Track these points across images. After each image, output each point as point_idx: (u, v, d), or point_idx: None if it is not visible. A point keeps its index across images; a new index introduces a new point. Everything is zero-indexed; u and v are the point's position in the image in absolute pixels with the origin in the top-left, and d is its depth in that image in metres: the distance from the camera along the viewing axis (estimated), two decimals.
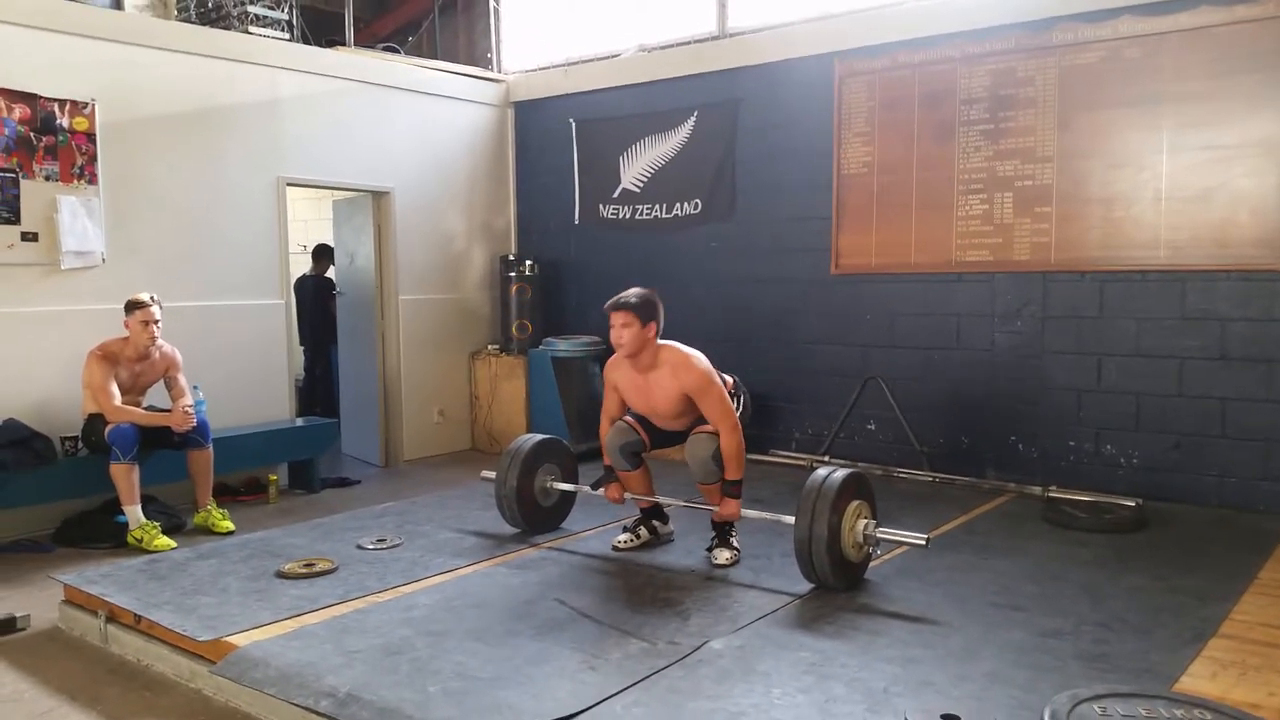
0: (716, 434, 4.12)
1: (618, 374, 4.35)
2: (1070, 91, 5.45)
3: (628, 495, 4.48)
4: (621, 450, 4.38)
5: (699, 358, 4.17)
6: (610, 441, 4.40)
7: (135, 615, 3.63)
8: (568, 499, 4.88)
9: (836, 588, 3.81)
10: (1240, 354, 5.06)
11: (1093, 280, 5.45)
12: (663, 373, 4.18)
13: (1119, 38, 5.29)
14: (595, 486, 4.53)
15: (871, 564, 4.14)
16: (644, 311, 4.13)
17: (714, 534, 4.36)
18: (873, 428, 6.22)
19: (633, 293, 4.18)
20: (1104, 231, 5.39)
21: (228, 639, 3.34)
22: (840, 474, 3.88)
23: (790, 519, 3.86)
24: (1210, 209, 5.08)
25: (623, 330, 4.13)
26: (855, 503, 3.88)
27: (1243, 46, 4.95)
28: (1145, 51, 5.21)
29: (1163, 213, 5.21)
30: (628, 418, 4.42)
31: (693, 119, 6.94)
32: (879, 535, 3.87)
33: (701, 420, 4.22)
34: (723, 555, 4.24)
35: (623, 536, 4.55)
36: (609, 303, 4.19)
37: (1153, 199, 5.23)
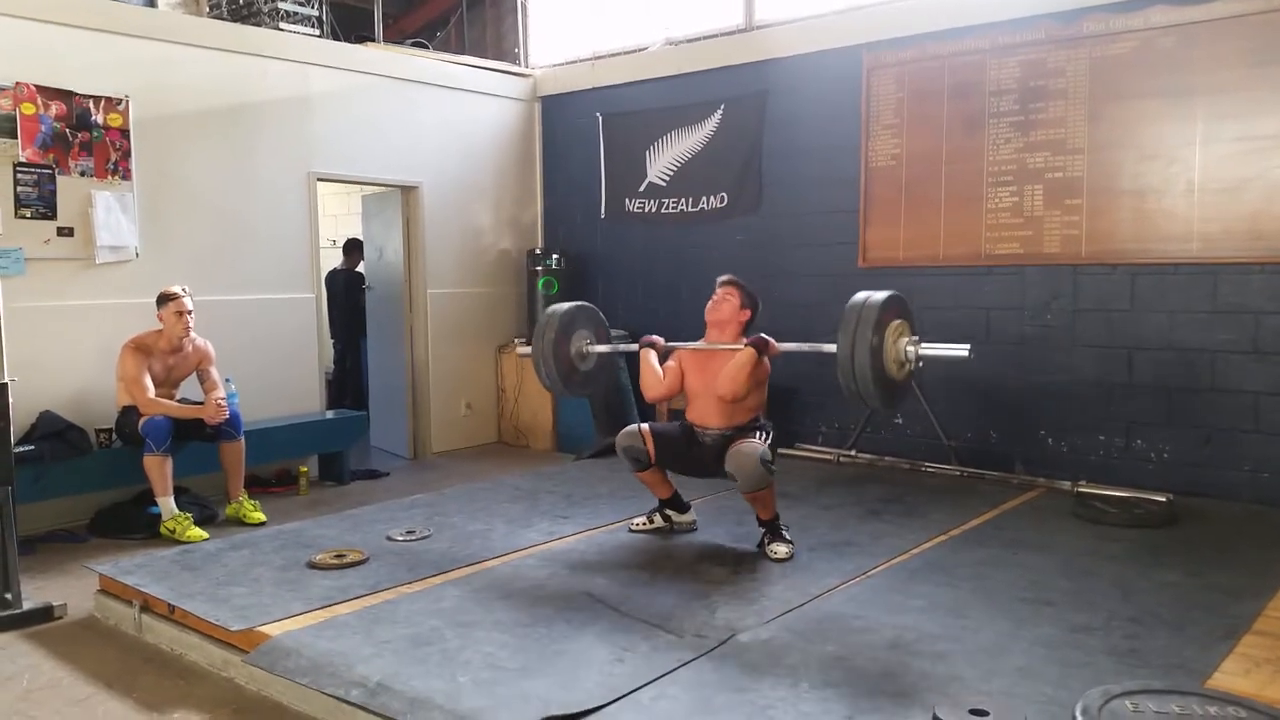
0: (765, 460, 4.11)
1: (685, 354, 4.48)
2: (1101, 82, 5.39)
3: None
4: (627, 452, 4.44)
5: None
6: (619, 441, 4.48)
7: (169, 605, 3.68)
8: (604, 368, 4.92)
9: (878, 406, 3.84)
10: (1274, 348, 4.99)
11: (1124, 273, 5.40)
12: (727, 357, 4.28)
13: (1151, 28, 5.23)
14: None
15: (896, 560, 4.14)
16: (748, 296, 4.44)
17: (764, 530, 4.34)
18: (900, 421, 6.20)
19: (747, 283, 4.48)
20: (1135, 224, 5.33)
21: (260, 629, 3.38)
22: (881, 294, 3.87)
23: (831, 347, 3.88)
24: (1244, 201, 5.01)
25: (723, 302, 4.40)
26: (897, 321, 3.88)
27: (1278, 35, 4.87)
28: (1178, 41, 5.15)
29: (1195, 204, 5.15)
30: (642, 426, 4.45)
31: (719, 112, 6.93)
32: (921, 351, 3.87)
33: (739, 434, 4.25)
34: (780, 550, 4.22)
35: (639, 519, 4.66)
36: (723, 276, 4.49)
37: (1185, 191, 5.17)
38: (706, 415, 4.37)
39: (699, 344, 4.47)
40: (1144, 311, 5.35)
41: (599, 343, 4.83)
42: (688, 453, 4.41)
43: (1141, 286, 5.35)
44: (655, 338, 4.57)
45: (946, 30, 5.90)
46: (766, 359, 4.26)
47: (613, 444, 6.75)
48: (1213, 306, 5.14)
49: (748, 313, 4.42)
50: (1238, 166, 5.02)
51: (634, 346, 4.65)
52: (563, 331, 4.68)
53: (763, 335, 4.24)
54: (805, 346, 4.28)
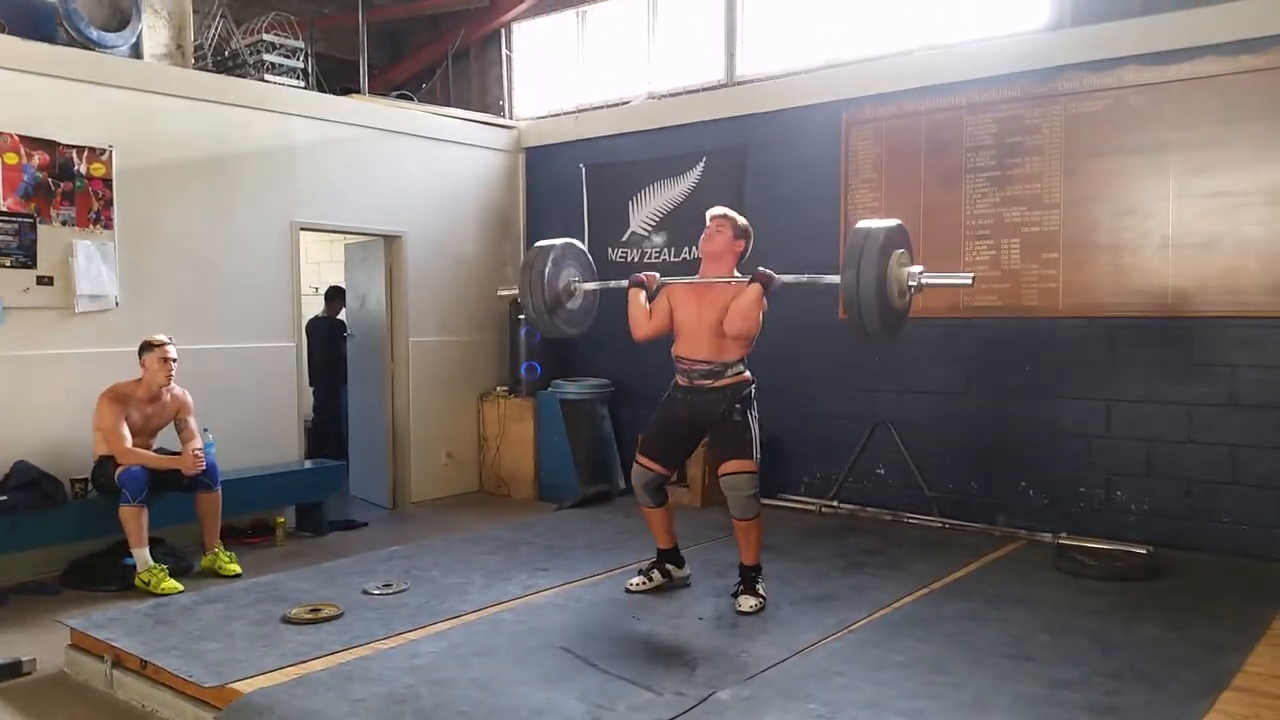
0: (753, 471, 4.18)
1: (675, 288, 4.48)
2: (1076, 139, 5.49)
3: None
4: (645, 488, 4.43)
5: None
6: (635, 483, 4.49)
7: (141, 660, 3.62)
8: (589, 308, 4.92)
9: (881, 335, 3.88)
10: (1250, 400, 5.04)
11: (1101, 326, 5.45)
12: (724, 290, 4.29)
13: (1124, 86, 5.34)
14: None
15: (878, 613, 4.12)
16: (740, 227, 4.40)
17: (739, 580, 4.33)
18: (882, 472, 6.20)
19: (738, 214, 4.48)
20: (1112, 277, 5.39)
21: (232, 685, 3.33)
22: (884, 224, 3.90)
23: (833, 279, 3.96)
24: (1218, 256, 5.09)
25: (716, 234, 4.37)
26: (899, 251, 3.91)
27: (1249, 94, 4.98)
28: (1150, 99, 5.26)
29: (1170, 259, 5.22)
30: (642, 459, 4.44)
31: (701, 164, 7.01)
32: (923, 280, 3.91)
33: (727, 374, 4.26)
34: (748, 603, 4.20)
35: (636, 579, 4.55)
36: (714, 208, 4.49)
37: (1160, 245, 5.25)
38: (696, 347, 4.31)
39: (694, 278, 4.46)
40: (1122, 364, 5.40)
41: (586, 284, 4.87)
42: (677, 429, 4.39)
43: (1119, 340, 5.41)
44: (645, 275, 4.55)
45: (924, 88, 6.00)
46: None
47: (594, 494, 6.81)
48: (1189, 360, 5.20)
49: (741, 244, 4.39)
50: (1212, 222, 5.10)
51: (624, 283, 4.63)
52: (553, 266, 4.71)
53: (763, 269, 4.23)
54: (805, 279, 4.34)
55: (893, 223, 3.96)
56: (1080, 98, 5.47)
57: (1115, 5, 5.50)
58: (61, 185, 5.36)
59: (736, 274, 4.38)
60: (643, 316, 4.47)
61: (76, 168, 5.41)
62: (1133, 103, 5.31)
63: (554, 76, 8.24)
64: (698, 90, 7.24)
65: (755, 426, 4.27)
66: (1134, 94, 5.31)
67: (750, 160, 6.74)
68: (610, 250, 7.50)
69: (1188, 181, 5.16)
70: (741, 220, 4.44)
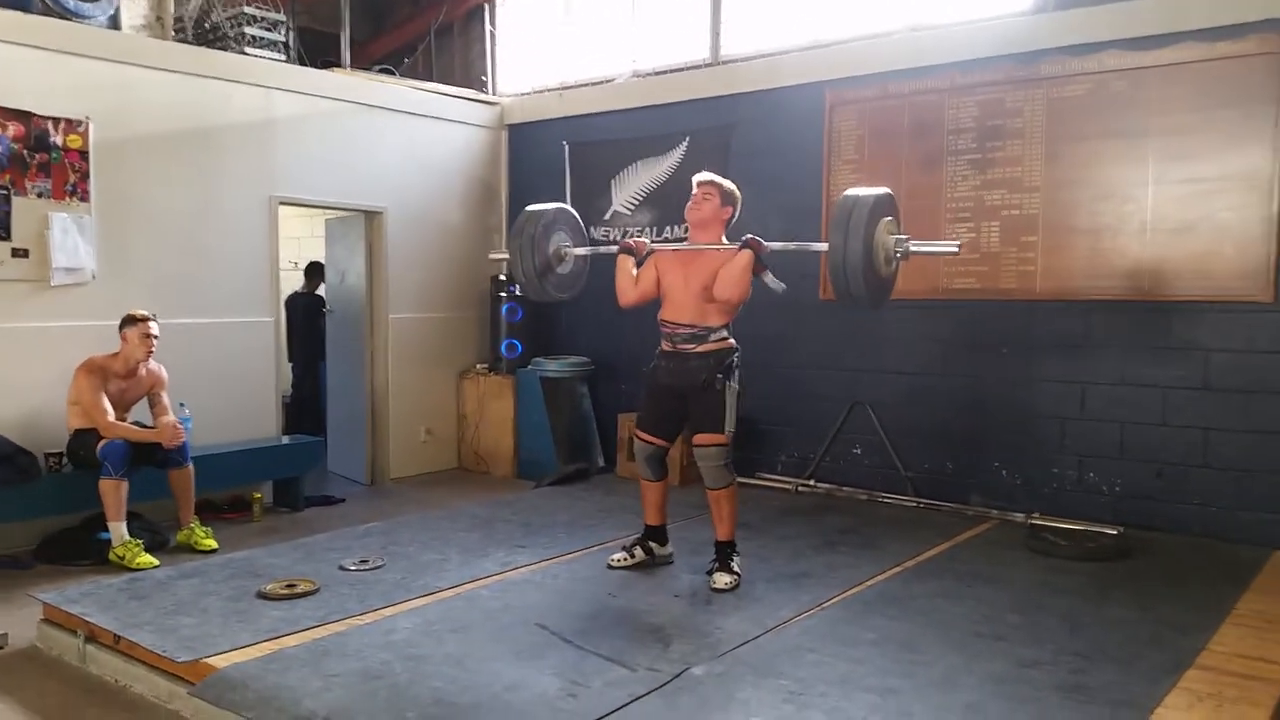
0: (725, 444, 4.25)
1: (663, 254, 4.50)
2: (1057, 123, 5.51)
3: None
4: (647, 461, 4.49)
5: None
6: (638, 457, 4.54)
7: (115, 635, 3.62)
8: (579, 274, 4.94)
9: (866, 302, 3.93)
10: (1222, 385, 5.09)
11: (1078, 309, 5.49)
12: (713, 255, 4.30)
13: (1105, 70, 5.35)
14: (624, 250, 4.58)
15: (851, 591, 4.17)
16: (727, 194, 4.39)
17: (714, 557, 4.37)
18: (859, 452, 6.24)
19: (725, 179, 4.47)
20: (1089, 261, 5.43)
21: (207, 660, 3.34)
22: (872, 192, 3.94)
23: (821, 246, 3.99)
24: (1194, 241, 5.13)
25: (704, 201, 4.37)
26: (886, 219, 3.95)
27: (1225, 82, 5.00)
28: (1130, 85, 5.27)
29: (1147, 244, 5.26)
30: (640, 434, 4.49)
31: (685, 143, 6.99)
32: (910, 247, 3.96)
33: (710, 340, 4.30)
34: (722, 580, 4.24)
35: (619, 555, 4.58)
36: (700, 174, 4.46)
37: (1138, 230, 5.28)
38: (681, 312, 4.34)
39: (683, 245, 4.48)
40: (1097, 347, 5.44)
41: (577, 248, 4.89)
42: (663, 399, 4.42)
43: (1095, 323, 5.45)
44: (635, 241, 4.57)
45: (907, 70, 6.00)
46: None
47: (573, 471, 6.82)
48: (1164, 343, 5.24)
49: (729, 210, 4.40)
50: (1188, 208, 5.14)
51: (614, 248, 4.64)
52: (544, 230, 4.73)
53: (752, 236, 4.25)
54: (793, 245, 4.40)
55: (881, 190, 3.99)
56: (1062, 82, 5.48)
57: None
58: (37, 157, 5.30)
59: (725, 241, 4.39)
60: (629, 283, 4.49)
61: (52, 139, 5.35)
62: (1113, 87, 5.33)
63: (538, 53, 8.18)
64: (682, 69, 7.20)
65: (733, 399, 4.29)
66: (1115, 79, 5.32)
67: (734, 140, 6.73)
68: (593, 229, 7.46)
69: (1166, 167, 5.19)
70: (728, 185, 4.42)
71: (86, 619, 3.75)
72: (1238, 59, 4.96)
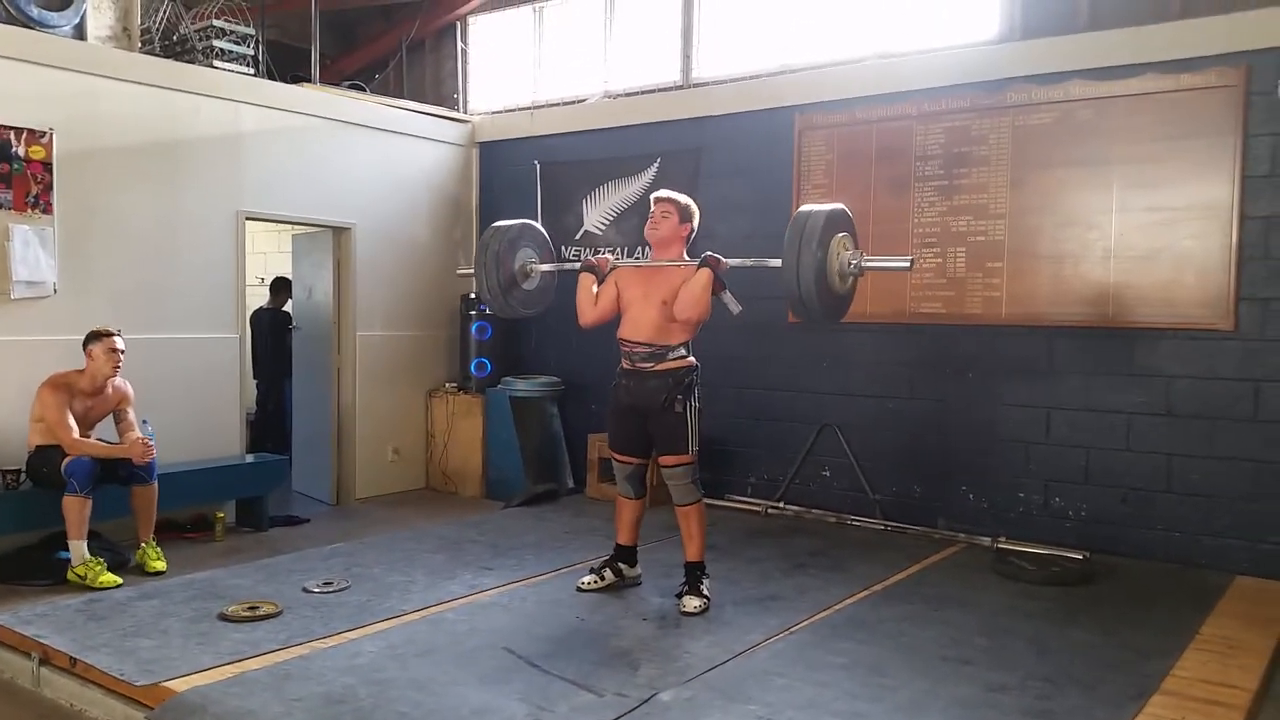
0: (690, 463, 4.29)
1: (624, 271, 4.51)
2: (1023, 150, 5.58)
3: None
4: (627, 480, 4.49)
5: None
6: (617, 477, 4.55)
7: (71, 658, 3.54)
8: (545, 290, 4.95)
9: (823, 319, 4.00)
10: (1184, 411, 5.16)
11: (1042, 334, 5.55)
12: (673, 272, 4.32)
13: (1070, 100, 5.44)
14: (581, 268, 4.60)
15: (820, 615, 4.16)
16: (685, 210, 4.42)
17: (684, 580, 4.35)
18: (827, 474, 6.26)
19: (681, 194, 4.49)
20: (1054, 287, 5.50)
21: (166, 684, 3.27)
22: (825, 208, 3.97)
23: (776, 261, 3.96)
24: (1157, 269, 5.21)
25: (662, 219, 4.39)
26: (840, 235, 3.95)
27: (1187, 113, 5.10)
28: (1095, 114, 5.36)
29: (1111, 271, 5.33)
30: (614, 455, 4.51)
31: (655, 165, 7.01)
32: (864, 264, 3.98)
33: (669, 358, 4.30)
34: (691, 603, 4.22)
35: (588, 578, 4.56)
36: (658, 191, 4.50)
37: (1102, 257, 5.36)
38: (638, 329, 4.34)
39: (644, 262, 4.47)
40: (1062, 372, 5.50)
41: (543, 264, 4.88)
42: (626, 418, 4.41)
43: (1059, 348, 5.51)
44: (598, 258, 4.58)
45: (875, 95, 6.06)
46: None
47: (541, 492, 6.78)
48: (1128, 369, 5.31)
49: (687, 227, 4.42)
50: (1151, 236, 5.22)
51: (577, 265, 4.64)
52: (509, 245, 4.73)
53: (711, 253, 4.26)
54: (750, 261, 4.37)
55: (835, 206, 4.02)
56: (1028, 110, 5.57)
57: (1063, 20, 5.60)
58: None
59: (685, 257, 4.40)
60: (589, 302, 4.50)
61: (14, 149, 5.27)
62: (1078, 116, 5.42)
63: (509, 72, 8.19)
64: (653, 91, 7.24)
65: (694, 418, 4.30)
66: (1080, 108, 5.41)
67: (704, 162, 6.76)
68: (563, 248, 7.47)
69: (1129, 195, 5.28)
70: (684, 200, 4.45)
71: (41, 640, 3.67)
72: (1200, 91, 5.06)
